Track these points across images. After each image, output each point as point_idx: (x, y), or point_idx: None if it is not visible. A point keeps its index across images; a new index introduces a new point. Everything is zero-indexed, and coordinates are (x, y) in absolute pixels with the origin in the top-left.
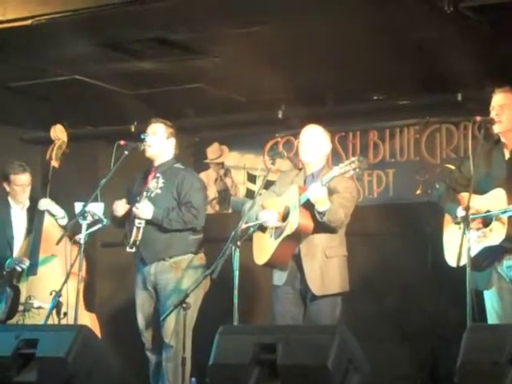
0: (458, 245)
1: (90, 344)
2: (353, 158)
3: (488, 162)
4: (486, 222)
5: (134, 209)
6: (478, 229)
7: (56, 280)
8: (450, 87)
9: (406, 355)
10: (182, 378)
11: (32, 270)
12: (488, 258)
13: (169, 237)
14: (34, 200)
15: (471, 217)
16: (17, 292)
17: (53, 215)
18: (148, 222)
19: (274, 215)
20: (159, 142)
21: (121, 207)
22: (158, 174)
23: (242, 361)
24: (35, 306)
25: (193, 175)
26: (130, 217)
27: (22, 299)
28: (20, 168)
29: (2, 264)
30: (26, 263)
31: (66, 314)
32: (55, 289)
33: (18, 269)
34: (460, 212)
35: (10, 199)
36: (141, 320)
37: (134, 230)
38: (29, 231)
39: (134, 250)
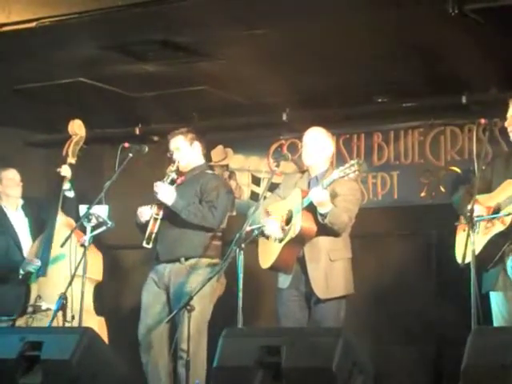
0: (464, 244)
1: (94, 346)
2: (352, 162)
3: (506, 167)
4: (495, 212)
5: (155, 189)
6: (487, 221)
7: (65, 282)
8: (454, 89)
9: (411, 358)
10: (186, 380)
11: (42, 270)
12: (495, 251)
13: (188, 237)
14: (29, 199)
15: (476, 219)
16: (28, 291)
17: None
18: (167, 216)
19: (277, 226)
20: (186, 153)
21: (145, 213)
22: (173, 159)
23: (247, 363)
24: (43, 307)
25: (220, 179)
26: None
27: (32, 300)
28: (6, 166)
29: (17, 267)
30: (38, 263)
31: (73, 317)
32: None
33: (32, 270)
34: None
35: (1, 202)
36: (143, 319)
37: (151, 221)
38: (33, 230)
39: (150, 245)
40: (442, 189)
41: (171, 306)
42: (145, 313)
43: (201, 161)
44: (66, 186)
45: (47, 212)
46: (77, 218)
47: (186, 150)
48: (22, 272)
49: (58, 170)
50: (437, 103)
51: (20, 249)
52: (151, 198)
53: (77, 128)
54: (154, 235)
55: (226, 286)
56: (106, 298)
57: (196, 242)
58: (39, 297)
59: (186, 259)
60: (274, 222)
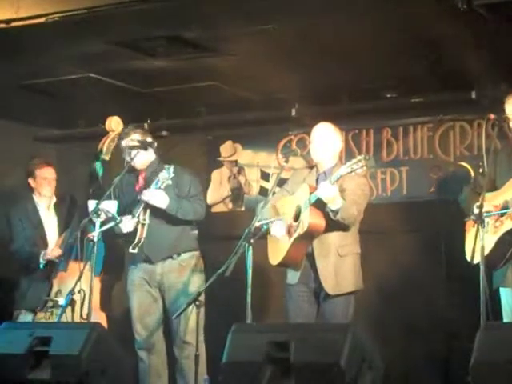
0: (473, 242)
1: (103, 342)
2: (359, 157)
3: (509, 164)
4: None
5: (144, 197)
6: (496, 220)
7: (84, 278)
8: (463, 85)
9: (420, 354)
10: (195, 375)
11: (63, 265)
12: (505, 249)
13: (175, 233)
14: (62, 197)
15: (485, 215)
16: (50, 286)
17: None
18: (152, 218)
19: (283, 228)
20: (141, 152)
21: (128, 223)
22: (166, 166)
23: (255, 359)
24: (60, 303)
25: (188, 171)
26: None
27: (52, 294)
28: (44, 162)
29: (37, 257)
30: (58, 252)
31: (88, 315)
32: (83, 287)
33: (52, 258)
34: (475, 209)
35: (35, 197)
36: (138, 319)
37: (139, 227)
38: (61, 228)
39: (136, 250)
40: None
41: (166, 303)
42: (143, 313)
43: (153, 155)
44: (97, 183)
45: (75, 208)
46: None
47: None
48: (42, 261)
49: (91, 168)
50: (446, 99)
51: (46, 244)
52: None
53: (114, 125)
54: (142, 240)
55: (236, 281)
56: (113, 294)
57: (182, 236)
58: (59, 291)
59: (178, 255)
60: (282, 223)
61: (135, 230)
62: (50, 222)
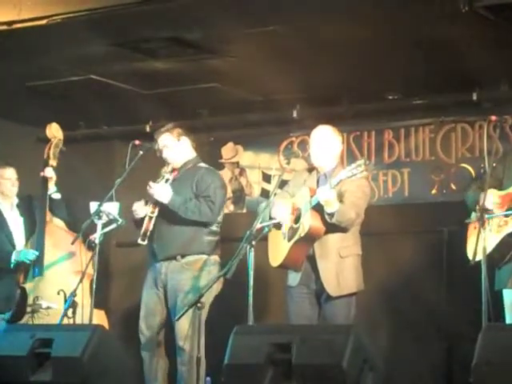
0: (475, 241)
1: (105, 344)
2: (359, 162)
3: None
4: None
5: (149, 190)
6: (500, 219)
7: (63, 279)
8: (465, 86)
9: (421, 355)
10: (197, 377)
11: (39, 271)
12: (506, 251)
13: (186, 235)
14: (23, 198)
15: (487, 216)
16: (24, 293)
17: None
18: (162, 214)
19: (286, 210)
20: (174, 150)
21: (140, 209)
22: (163, 158)
23: (257, 361)
24: (43, 306)
25: (214, 173)
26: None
27: (30, 300)
28: (5, 163)
29: (6, 259)
30: (34, 253)
31: (74, 312)
32: (63, 288)
33: (26, 260)
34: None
35: None
36: (143, 318)
37: (146, 219)
38: (27, 228)
39: (145, 242)
40: (453, 186)
41: (168, 304)
42: (146, 312)
43: (192, 154)
44: (52, 188)
45: (37, 212)
46: (65, 219)
47: (174, 147)
48: (13, 261)
49: (41, 174)
50: (447, 100)
51: (13, 245)
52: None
53: (55, 131)
54: (149, 233)
55: (237, 283)
56: (115, 295)
57: (192, 238)
58: (37, 298)
59: (183, 256)
60: (283, 207)
61: (142, 219)
62: (15, 223)
